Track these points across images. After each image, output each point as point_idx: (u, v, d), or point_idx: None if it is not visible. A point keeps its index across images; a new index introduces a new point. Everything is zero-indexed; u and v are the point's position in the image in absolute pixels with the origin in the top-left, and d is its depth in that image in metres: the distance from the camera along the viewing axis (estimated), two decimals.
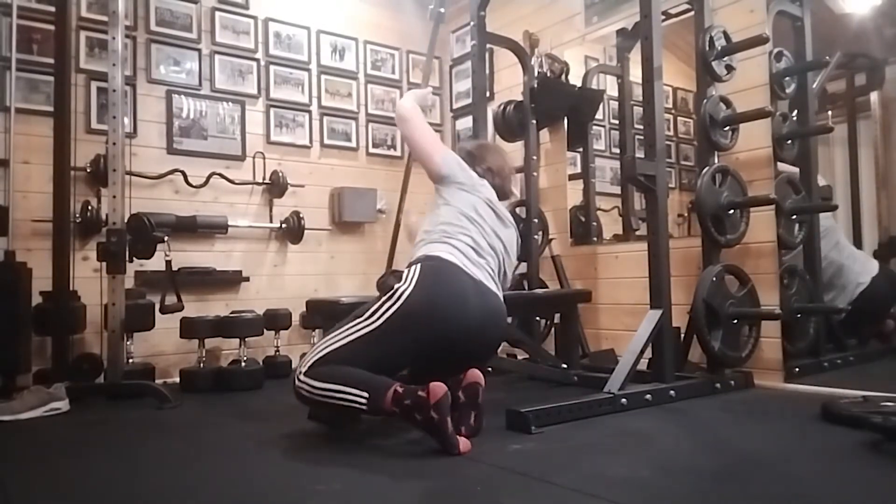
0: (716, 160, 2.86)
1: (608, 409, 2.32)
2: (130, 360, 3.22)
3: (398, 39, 4.64)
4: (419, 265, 2.14)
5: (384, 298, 2.06)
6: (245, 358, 3.32)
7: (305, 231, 3.96)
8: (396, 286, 2.06)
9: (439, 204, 2.35)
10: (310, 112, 4.22)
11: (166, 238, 2.91)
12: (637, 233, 3.65)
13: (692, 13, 2.99)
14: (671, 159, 3.83)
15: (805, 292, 3.07)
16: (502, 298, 2.28)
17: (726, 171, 2.84)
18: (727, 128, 2.89)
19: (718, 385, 2.69)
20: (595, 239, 3.81)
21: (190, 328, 3.30)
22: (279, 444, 2.08)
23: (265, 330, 3.54)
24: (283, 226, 3.97)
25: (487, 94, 3.99)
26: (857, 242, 3.72)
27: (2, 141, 3.15)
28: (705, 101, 2.84)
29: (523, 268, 3.71)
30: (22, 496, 1.61)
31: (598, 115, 3.89)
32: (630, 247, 3.51)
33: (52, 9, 3.03)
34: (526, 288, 3.63)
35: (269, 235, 4.02)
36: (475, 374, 2.02)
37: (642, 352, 2.51)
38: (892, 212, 3.85)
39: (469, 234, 2.26)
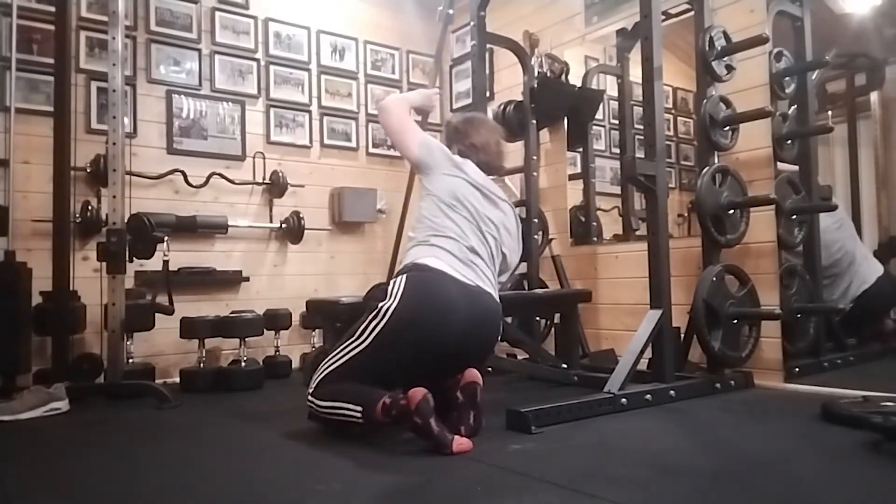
0: (716, 160, 2.86)
1: (608, 409, 2.32)
2: (130, 360, 3.22)
3: (398, 39, 4.64)
4: (404, 277, 2.12)
5: (370, 317, 2.09)
6: (245, 358, 3.32)
7: (305, 231, 3.96)
8: (380, 304, 2.08)
9: (423, 195, 2.33)
10: (310, 112, 4.22)
11: (166, 238, 2.91)
12: (637, 233, 3.65)
13: (692, 13, 2.99)
14: (671, 159, 3.83)
15: (805, 292, 3.07)
16: (496, 292, 2.25)
17: (726, 171, 2.83)
18: (727, 128, 2.89)
19: (718, 385, 2.69)
20: (595, 239, 3.81)
21: (190, 328, 3.30)
22: (279, 444, 2.08)
23: (265, 330, 3.54)
24: (283, 226, 3.97)
25: (487, 94, 3.99)
26: None
27: (2, 141, 3.16)
28: (705, 101, 2.83)
29: (523, 268, 3.71)
30: (22, 496, 1.61)
31: (598, 115, 3.89)
32: (630, 247, 3.51)
33: (52, 9, 3.03)
34: (526, 288, 3.63)
35: (269, 235, 4.02)
36: (473, 374, 2.02)
37: (642, 352, 2.51)
38: (892, 212, 3.85)
39: (455, 227, 2.22)
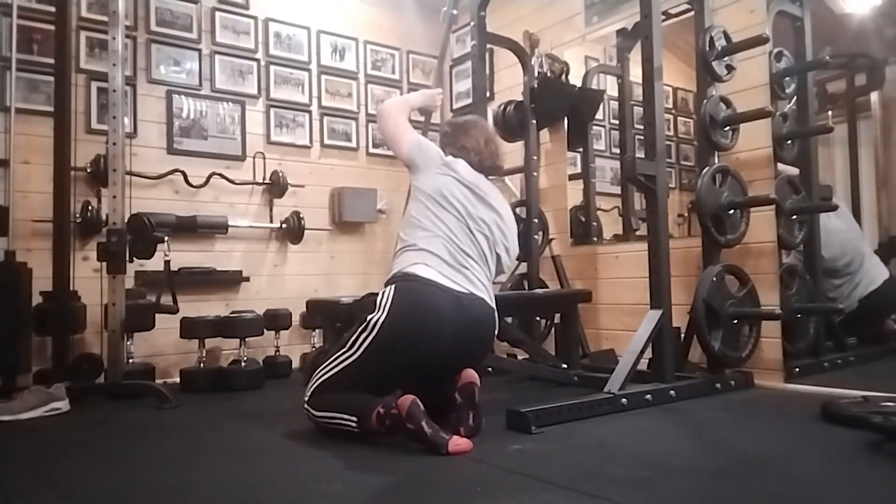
0: (716, 160, 2.86)
1: (608, 409, 2.32)
2: (130, 360, 3.22)
3: (398, 39, 4.64)
4: (393, 287, 2.11)
5: (360, 329, 2.09)
6: (245, 358, 3.32)
7: (305, 231, 3.96)
8: (369, 317, 2.08)
9: (413, 195, 2.31)
10: (310, 112, 4.22)
11: (166, 238, 2.91)
12: (637, 233, 3.65)
13: (692, 13, 2.99)
14: (671, 159, 3.83)
15: (805, 292, 3.07)
16: (490, 294, 2.23)
17: (726, 171, 2.83)
18: (727, 128, 2.89)
19: (718, 385, 2.69)
20: (595, 239, 3.80)
21: (190, 328, 3.30)
22: (279, 444, 2.08)
23: (265, 330, 3.54)
24: (284, 226, 3.97)
25: (487, 94, 3.99)
26: None
27: (2, 141, 3.16)
28: (705, 101, 2.83)
29: (523, 268, 3.71)
30: (22, 496, 1.61)
31: (598, 115, 3.89)
32: (630, 247, 3.51)
33: (52, 9, 3.04)
34: (526, 288, 3.63)
35: (269, 235, 4.02)
36: (470, 375, 2.03)
37: (642, 352, 2.51)
38: (892, 212, 3.85)
39: (444, 227, 2.19)
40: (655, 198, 2.61)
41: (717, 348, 2.68)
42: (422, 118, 2.94)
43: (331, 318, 3.06)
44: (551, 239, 3.81)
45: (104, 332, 3.02)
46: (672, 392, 2.52)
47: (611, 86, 3.96)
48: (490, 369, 3.25)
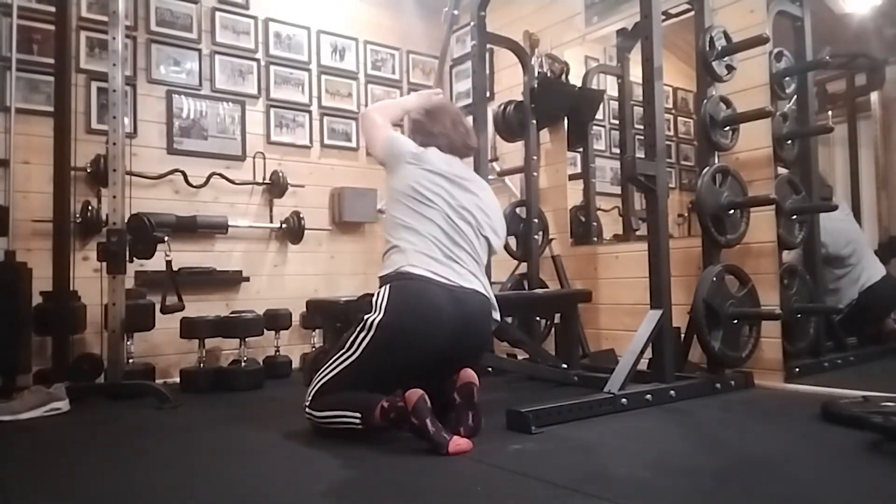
0: (716, 160, 2.86)
1: (608, 409, 2.32)
2: (130, 360, 3.22)
3: (398, 39, 4.64)
4: (388, 288, 2.11)
5: (358, 329, 2.09)
6: (245, 358, 3.32)
7: (305, 231, 3.96)
8: (366, 317, 2.08)
9: (389, 198, 2.29)
10: (310, 112, 4.22)
11: (166, 238, 2.92)
12: (637, 233, 3.65)
13: (692, 13, 2.99)
14: (671, 159, 3.83)
15: (805, 292, 3.07)
16: (484, 284, 2.21)
17: (726, 171, 2.83)
18: (727, 128, 2.89)
19: (718, 385, 2.69)
20: (595, 239, 3.81)
21: (190, 328, 3.30)
22: (279, 444, 2.08)
23: (265, 330, 3.54)
24: (284, 226, 3.97)
25: (487, 94, 3.99)
26: None
27: (2, 141, 3.16)
28: (705, 101, 2.83)
29: (523, 268, 3.71)
30: (22, 496, 1.61)
31: (599, 115, 3.89)
32: (630, 247, 3.51)
33: (52, 9, 3.03)
34: (526, 288, 3.63)
35: (269, 235, 4.02)
36: (468, 374, 2.03)
37: (642, 352, 2.51)
38: (892, 212, 3.86)
39: (428, 223, 2.17)
40: (655, 198, 2.62)
41: (717, 348, 2.68)
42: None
43: (331, 318, 3.06)
44: (551, 239, 3.81)
45: (104, 332, 3.02)
46: (672, 392, 2.52)
47: (611, 86, 3.96)
48: (490, 369, 3.25)
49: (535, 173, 3.74)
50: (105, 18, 3.02)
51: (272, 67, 4.08)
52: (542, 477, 1.62)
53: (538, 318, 3.65)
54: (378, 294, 2.12)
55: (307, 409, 2.12)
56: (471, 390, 2.01)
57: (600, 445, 1.95)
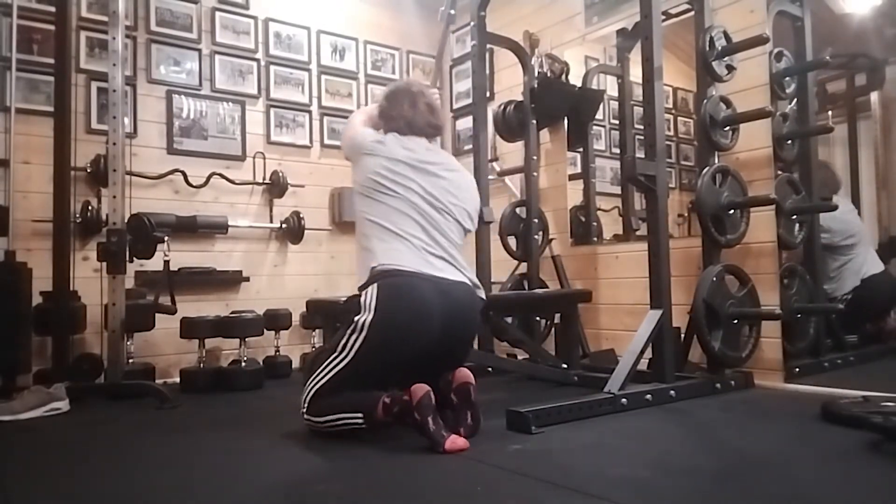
0: (716, 160, 2.86)
1: (608, 409, 2.32)
2: (130, 360, 3.22)
3: (398, 39, 4.64)
4: (375, 287, 2.07)
5: (349, 331, 2.07)
6: (245, 358, 3.32)
7: (305, 231, 3.96)
8: (356, 318, 2.06)
9: (354, 195, 2.25)
10: (310, 112, 4.22)
11: (166, 238, 2.92)
12: (637, 233, 3.65)
13: (692, 13, 2.99)
14: (671, 159, 3.83)
15: (805, 292, 3.07)
16: (466, 272, 2.19)
17: (726, 171, 2.83)
18: (727, 128, 2.89)
19: (718, 385, 2.69)
20: (595, 239, 3.80)
21: (190, 328, 3.31)
22: (279, 444, 2.08)
23: (265, 330, 3.55)
24: (284, 226, 3.97)
25: (487, 94, 3.99)
26: None
27: (2, 141, 3.16)
28: (705, 101, 2.83)
29: (523, 268, 3.71)
30: (22, 496, 1.61)
31: (599, 115, 3.89)
32: (630, 247, 3.51)
33: (52, 9, 3.04)
34: (526, 288, 3.63)
35: (269, 235, 4.02)
36: (465, 375, 2.02)
37: (642, 352, 2.51)
38: (892, 212, 3.86)
39: (398, 217, 2.12)
40: (655, 198, 2.62)
41: (717, 348, 2.68)
42: None
43: (331, 318, 3.05)
44: (551, 239, 3.81)
45: (104, 332, 3.02)
46: (672, 392, 2.52)
47: (611, 86, 3.95)
48: (490, 369, 3.25)
49: (535, 173, 3.74)
50: (105, 18, 3.02)
51: (272, 67, 4.08)
52: (542, 477, 1.62)
53: (538, 318, 3.65)
54: (366, 294, 2.09)
55: (305, 416, 2.10)
56: (468, 390, 2.00)
57: (600, 445, 1.95)
